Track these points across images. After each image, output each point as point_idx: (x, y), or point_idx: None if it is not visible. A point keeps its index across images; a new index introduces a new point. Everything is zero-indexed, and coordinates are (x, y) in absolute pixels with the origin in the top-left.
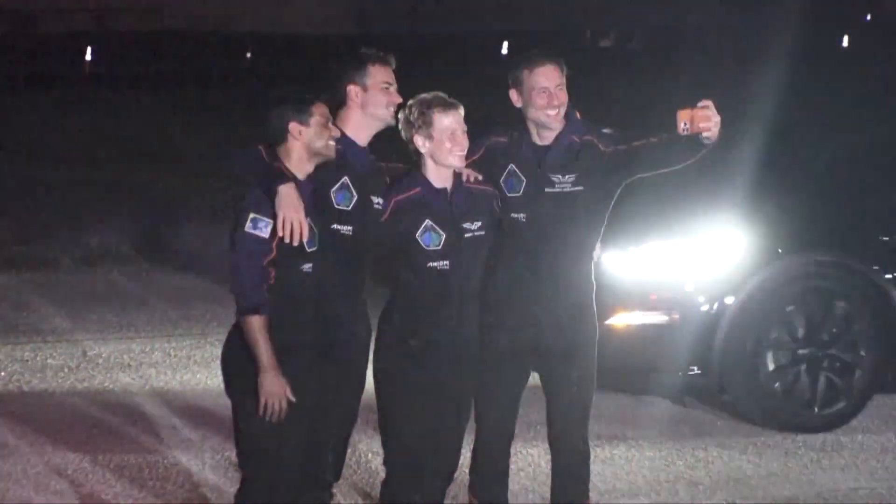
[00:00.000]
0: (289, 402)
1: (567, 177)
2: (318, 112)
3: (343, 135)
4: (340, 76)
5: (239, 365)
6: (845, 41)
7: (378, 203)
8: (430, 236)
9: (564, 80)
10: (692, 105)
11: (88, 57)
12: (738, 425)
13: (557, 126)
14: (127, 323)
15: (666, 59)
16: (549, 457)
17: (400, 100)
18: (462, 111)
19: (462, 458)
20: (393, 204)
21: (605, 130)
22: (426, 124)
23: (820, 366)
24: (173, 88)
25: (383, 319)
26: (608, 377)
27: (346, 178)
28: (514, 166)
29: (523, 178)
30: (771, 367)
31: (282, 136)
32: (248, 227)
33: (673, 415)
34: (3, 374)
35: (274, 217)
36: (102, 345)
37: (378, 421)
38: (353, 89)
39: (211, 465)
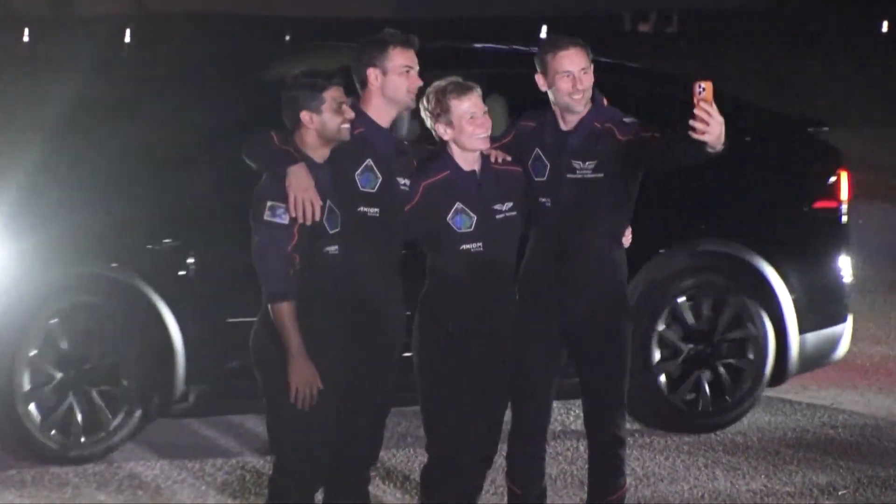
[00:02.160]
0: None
1: (587, 163)
2: (330, 97)
3: (365, 116)
4: (361, 58)
5: (267, 351)
6: (885, 26)
7: (405, 184)
8: (461, 219)
9: (590, 65)
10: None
11: (127, 39)
12: (777, 411)
13: (582, 110)
14: None
15: (704, 43)
16: (587, 442)
17: (420, 83)
18: (479, 92)
19: (503, 442)
20: (423, 188)
21: (626, 119)
22: (444, 111)
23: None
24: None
25: (421, 304)
26: None
27: (369, 161)
28: (539, 150)
29: (547, 163)
30: (27, 387)
31: (296, 122)
32: (266, 215)
33: None
34: None
35: (285, 198)
36: None
37: (419, 405)
38: (372, 72)
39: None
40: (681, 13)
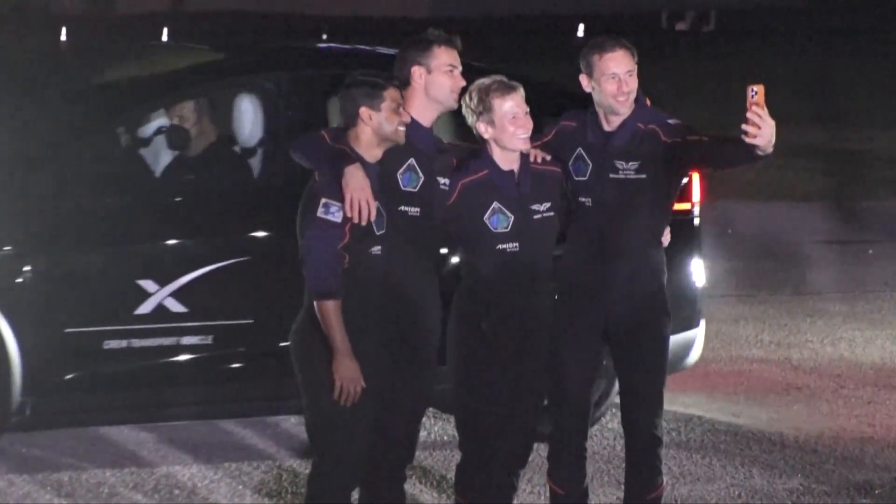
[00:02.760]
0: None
1: (630, 164)
2: (390, 97)
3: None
4: (406, 57)
5: (309, 348)
6: None
7: (445, 184)
8: (498, 218)
9: (635, 67)
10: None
11: (164, 38)
12: (814, 409)
13: (626, 112)
14: None
15: (742, 40)
16: (624, 441)
17: (464, 83)
18: (522, 92)
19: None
20: (460, 187)
21: (670, 121)
22: (487, 110)
23: None
24: None
25: (456, 302)
26: None
27: (412, 160)
28: (581, 150)
29: (589, 163)
30: None
31: (353, 120)
32: (320, 212)
33: (748, 398)
34: None
35: (340, 197)
36: None
37: (453, 404)
38: (416, 71)
39: (227, 473)
40: (718, 11)
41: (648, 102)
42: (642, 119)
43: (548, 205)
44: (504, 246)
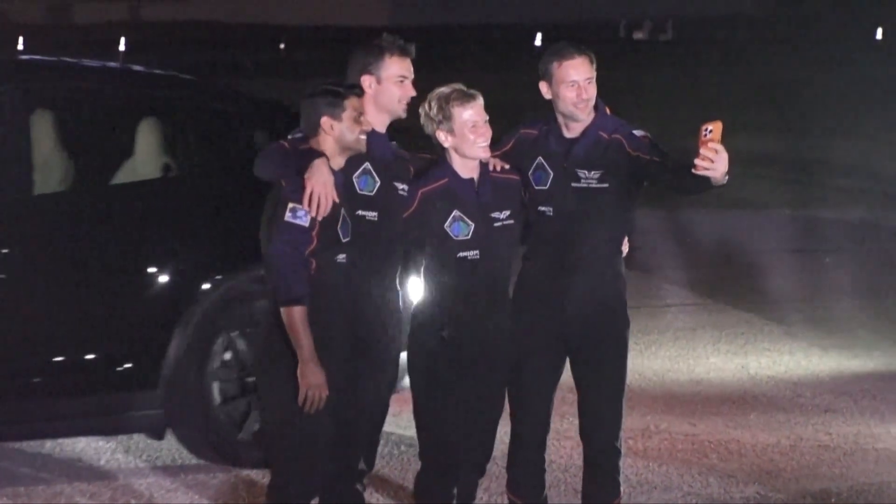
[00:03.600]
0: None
1: (593, 172)
2: (351, 106)
3: None
4: (356, 64)
5: (271, 356)
6: (879, 34)
7: (403, 189)
8: (458, 226)
9: (594, 74)
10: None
11: (122, 47)
12: (770, 417)
13: (585, 119)
14: None
15: (699, 50)
16: (580, 449)
17: (414, 93)
18: (481, 101)
19: (496, 451)
20: (420, 195)
21: (635, 133)
22: (446, 118)
23: None
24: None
25: (416, 310)
26: None
27: (367, 164)
28: (542, 159)
29: (550, 172)
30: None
31: (314, 129)
32: (287, 216)
33: (705, 407)
34: None
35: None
36: None
37: (413, 412)
38: (367, 80)
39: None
40: (675, 21)
41: (609, 111)
42: (605, 128)
43: (507, 213)
44: (465, 254)
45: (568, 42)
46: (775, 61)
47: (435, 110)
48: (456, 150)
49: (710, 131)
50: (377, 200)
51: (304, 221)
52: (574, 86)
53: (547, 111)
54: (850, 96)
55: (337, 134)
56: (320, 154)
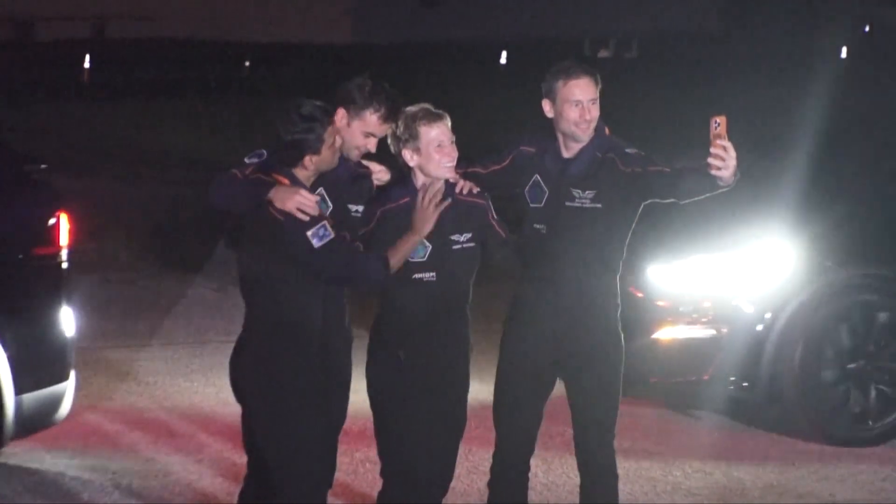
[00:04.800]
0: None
1: (587, 192)
2: (329, 134)
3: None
4: (344, 94)
5: (269, 377)
6: (843, 52)
7: (357, 211)
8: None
9: (598, 95)
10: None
11: (87, 65)
12: (739, 437)
13: (585, 139)
14: (126, 331)
15: (664, 68)
16: (565, 470)
17: (373, 151)
18: (448, 121)
19: (462, 468)
20: (380, 213)
21: (628, 150)
22: (413, 138)
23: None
24: (172, 97)
25: (373, 331)
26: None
27: (321, 189)
28: (538, 177)
29: (546, 190)
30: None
31: (295, 163)
32: (316, 243)
33: (673, 426)
34: None
35: (321, 217)
36: (101, 353)
37: (374, 431)
38: (342, 114)
39: (210, 472)
40: (640, 38)
41: (608, 132)
42: (601, 148)
43: (469, 235)
44: (420, 275)
45: (574, 61)
46: (739, 78)
47: (401, 129)
48: (421, 170)
49: (719, 124)
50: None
51: (331, 234)
52: (578, 105)
53: (547, 129)
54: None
55: (316, 166)
56: (267, 182)
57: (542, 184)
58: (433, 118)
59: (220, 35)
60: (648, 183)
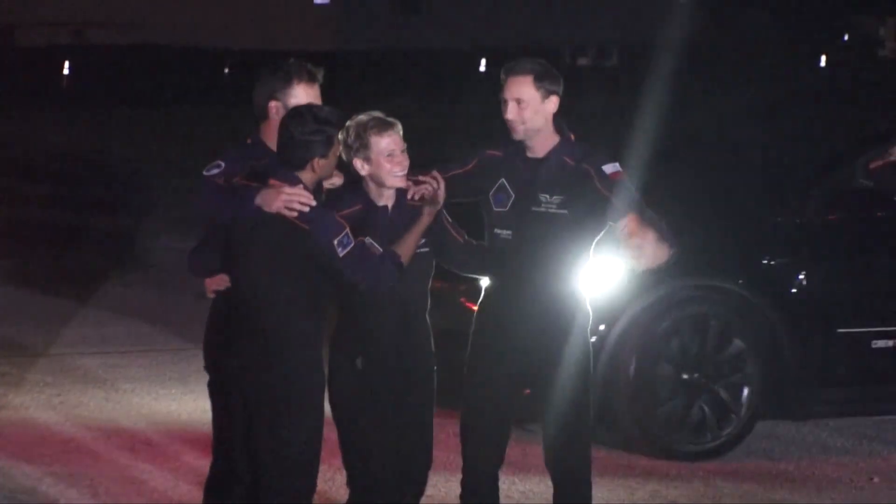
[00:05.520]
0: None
1: (554, 197)
2: (336, 143)
3: (266, 148)
4: (264, 89)
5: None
6: (823, 61)
7: None
8: None
9: (533, 96)
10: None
11: (66, 71)
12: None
13: (520, 137)
14: (103, 338)
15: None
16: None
17: None
18: (400, 130)
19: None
20: None
21: (606, 169)
22: (364, 147)
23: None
24: (152, 103)
25: (332, 339)
26: None
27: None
28: (504, 180)
29: (512, 194)
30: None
31: (303, 165)
32: (341, 252)
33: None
34: None
35: (340, 226)
36: (79, 359)
37: (339, 442)
38: (274, 106)
39: (185, 480)
40: (620, 47)
41: (573, 137)
42: (572, 154)
43: (421, 241)
44: None
45: (518, 59)
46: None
47: (352, 138)
48: (372, 178)
49: (626, 227)
50: None
51: (351, 239)
52: (505, 104)
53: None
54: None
55: (320, 171)
56: (252, 188)
57: (509, 188)
58: (384, 127)
59: (201, 41)
60: (614, 212)
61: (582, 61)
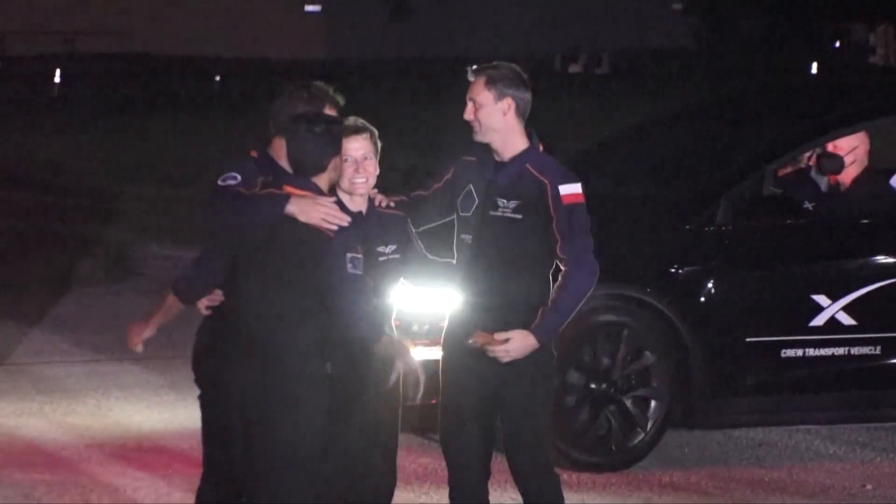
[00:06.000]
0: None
1: (510, 202)
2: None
3: (276, 163)
4: (288, 108)
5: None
6: (814, 68)
7: None
8: None
9: (488, 100)
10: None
11: (57, 79)
12: (703, 450)
13: (479, 138)
14: (96, 345)
15: (634, 83)
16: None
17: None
18: (369, 136)
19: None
20: None
21: (562, 190)
22: None
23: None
24: (143, 111)
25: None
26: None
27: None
28: (471, 185)
29: (476, 199)
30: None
31: (321, 170)
32: (350, 269)
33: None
34: None
35: (357, 244)
36: (71, 367)
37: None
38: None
39: (178, 488)
40: (611, 54)
41: (542, 147)
42: (534, 163)
43: (393, 247)
44: None
45: (485, 63)
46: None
47: None
48: (339, 184)
49: (476, 342)
50: None
51: (362, 267)
52: (468, 104)
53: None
54: None
55: (336, 173)
56: (282, 195)
57: (473, 192)
58: (351, 132)
59: (192, 49)
60: (550, 236)
61: (573, 68)
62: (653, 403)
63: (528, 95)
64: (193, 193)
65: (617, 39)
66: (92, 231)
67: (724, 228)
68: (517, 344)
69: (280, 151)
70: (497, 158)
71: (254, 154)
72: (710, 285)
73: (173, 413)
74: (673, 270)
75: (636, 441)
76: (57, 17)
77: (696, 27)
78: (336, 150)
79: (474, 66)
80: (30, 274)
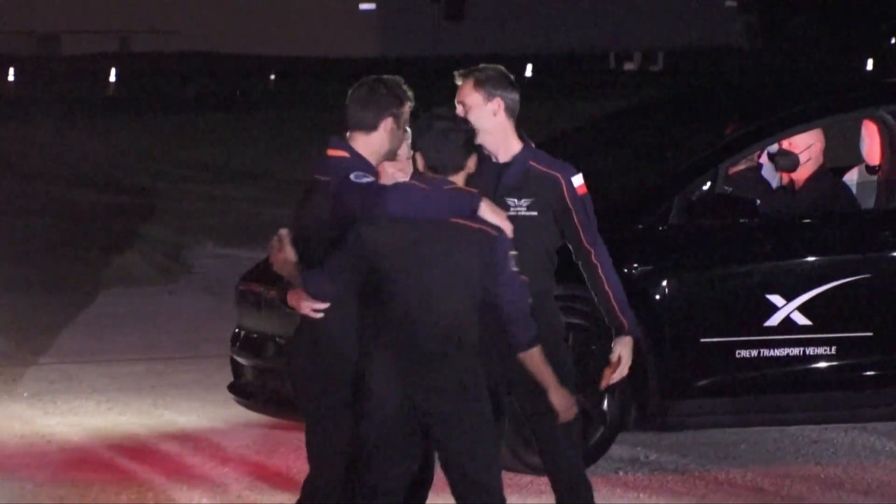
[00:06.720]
0: None
1: (522, 200)
2: None
3: (360, 157)
4: (379, 106)
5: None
6: (870, 64)
7: None
8: None
9: (479, 102)
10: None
11: (112, 78)
12: (760, 448)
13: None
14: (150, 344)
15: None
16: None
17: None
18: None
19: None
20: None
21: (574, 181)
22: None
23: None
24: (197, 110)
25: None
26: None
27: None
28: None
29: None
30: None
31: (461, 167)
32: (511, 267)
33: (695, 437)
34: (26, 394)
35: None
36: (127, 366)
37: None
38: (389, 122)
39: (235, 487)
40: (666, 52)
41: (533, 145)
42: (536, 160)
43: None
44: None
45: (475, 65)
46: None
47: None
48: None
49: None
50: None
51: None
52: (458, 107)
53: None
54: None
55: (473, 166)
56: (468, 192)
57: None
58: None
59: (245, 48)
60: (566, 230)
61: (628, 66)
62: (605, 401)
63: (516, 95)
64: (253, 192)
65: (671, 37)
66: (147, 230)
67: (676, 227)
68: (626, 353)
69: (368, 149)
70: (495, 160)
71: (333, 152)
72: (663, 285)
73: (228, 412)
74: (626, 270)
75: (592, 440)
76: (112, 16)
77: (750, 24)
78: (472, 149)
79: (461, 70)
80: (86, 273)
